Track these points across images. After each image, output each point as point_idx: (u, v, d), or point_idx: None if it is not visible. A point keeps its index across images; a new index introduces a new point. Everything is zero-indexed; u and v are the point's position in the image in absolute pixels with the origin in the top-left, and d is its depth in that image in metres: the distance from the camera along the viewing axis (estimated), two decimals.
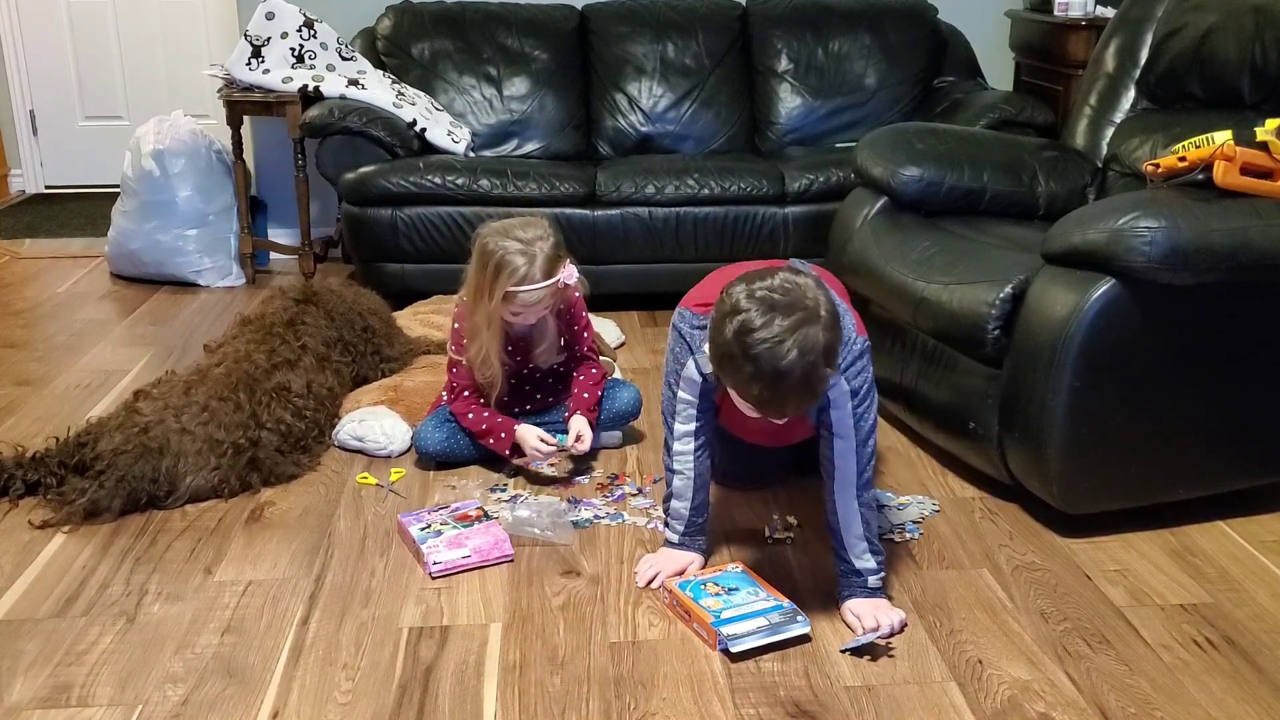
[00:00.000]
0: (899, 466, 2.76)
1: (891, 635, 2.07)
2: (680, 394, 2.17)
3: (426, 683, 1.94)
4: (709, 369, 2.06)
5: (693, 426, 2.18)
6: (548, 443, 2.62)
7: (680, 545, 2.27)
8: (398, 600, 2.19)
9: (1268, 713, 1.88)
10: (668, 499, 2.27)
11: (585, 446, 2.67)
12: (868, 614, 2.08)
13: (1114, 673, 1.97)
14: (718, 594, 2.13)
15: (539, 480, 2.69)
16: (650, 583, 2.23)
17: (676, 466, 2.21)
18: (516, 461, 2.70)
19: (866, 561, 2.11)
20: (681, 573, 2.23)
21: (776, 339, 1.83)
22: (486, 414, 2.67)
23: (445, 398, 2.80)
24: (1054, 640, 2.06)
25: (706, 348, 2.01)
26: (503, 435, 2.64)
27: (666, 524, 2.29)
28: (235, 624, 2.11)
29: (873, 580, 2.12)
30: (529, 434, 2.63)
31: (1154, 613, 2.16)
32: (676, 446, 2.20)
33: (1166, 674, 1.97)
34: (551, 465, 2.74)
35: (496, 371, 2.63)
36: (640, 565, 2.28)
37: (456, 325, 2.67)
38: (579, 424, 2.69)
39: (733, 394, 2.00)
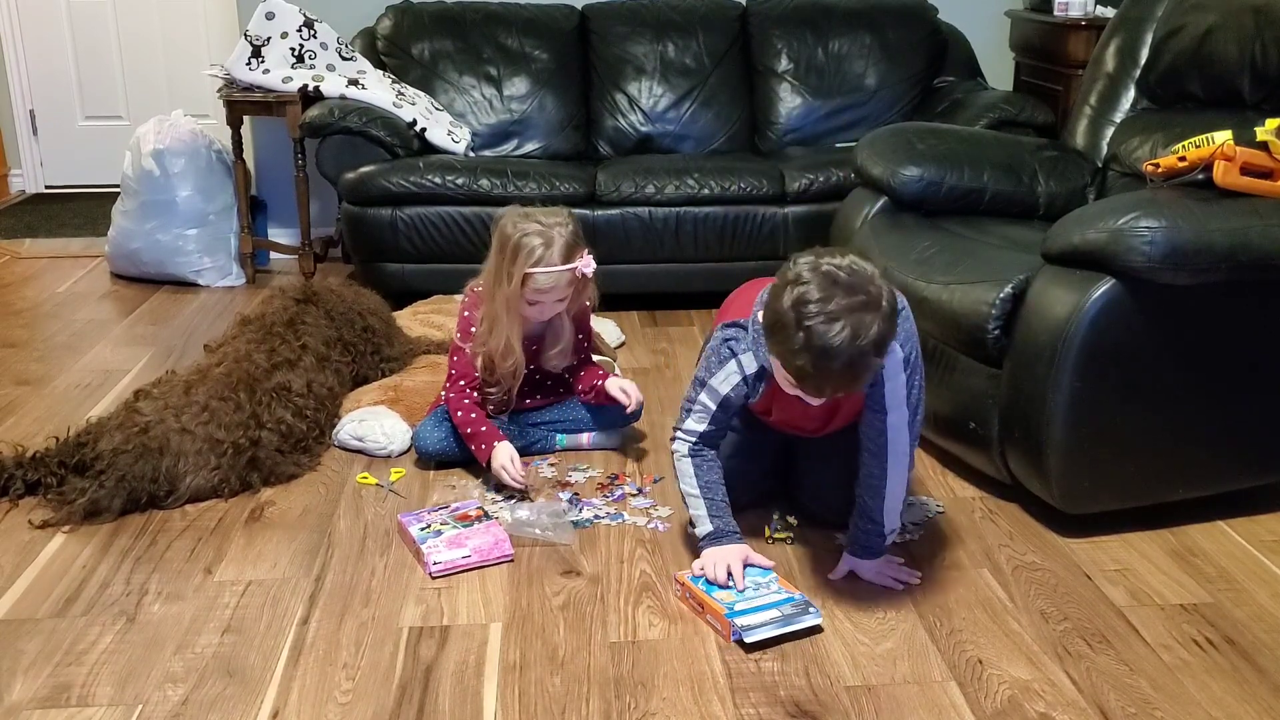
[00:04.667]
0: None
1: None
2: (700, 397, 2.24)
3: (426, 683, 1.94)
4: (754, 367, 2.16)
5: (701, 429, 2.24)
6: (514, 474, 2.53)
7: (732, 539, 2.21)
8: (398, 600, 2.19)
9: (1268, 713, 1.88)
10: (692, 502, 2.27)
11: (635, 391, 2.75)
12: (879, 580, 2.24)
13: (1114, 673, 1.97)
14: (730, 586, 2.14)
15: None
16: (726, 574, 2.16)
17: (682, 470, 2.27)
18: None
19: (894, 521, 2.24)
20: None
21: (831, 315, 1.85)
22: (475, 416, 2.62)
23: (444, 395, 2.79)
24: (1054, 640, 2.06)
25: (751, 352, 2.14)
26: (483, 446, 2.59)
27: (700, 525, 2.24)
28: (235, 624, 2.11)
29: (891, 537, 2.25)
30: (501, 453, 2.55)
31: (1154, 613, 2.16)
32: (679, 448, 2.27)
33: (1166, 674, 1.97)
34: (522, 482, 2.58)
35: (519, 359, 2.62)
36: (719, 578, 2.15)
37: (466, 314, 2.66)
38: (614, 382, 2.76)
39: (774, 365, 2.03)
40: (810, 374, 1.91)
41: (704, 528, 2.23)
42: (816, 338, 1.86)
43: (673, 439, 2.30)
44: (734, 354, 2.19)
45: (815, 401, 2.04)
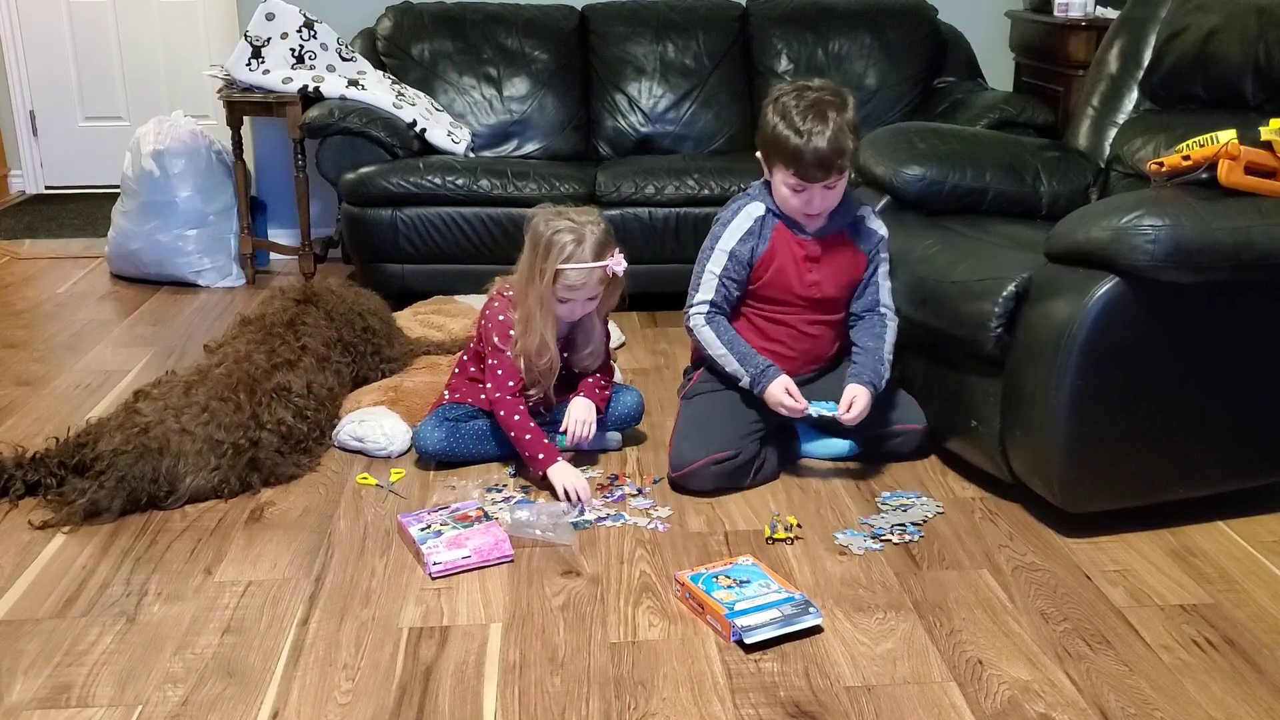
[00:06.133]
0: (899, 466, 2.76)
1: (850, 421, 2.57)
2: (708, 268, 2.63)
3: (426, 683, 1.94)
4: (761, 210, 2.60)
5: (710, 296, 2.63)
6: (583, 489, 2.55)
7: (772, 372, 2.57)
8: (398, 600, 2.19)
9: (1268, 713, 1.87)
10: (724, 360, 2.62)
11: (586, 432, 2.68)
12: (861, 403, 2.56)
13: (1114, 673, 1.97)
14: (730, 586, 2.14)
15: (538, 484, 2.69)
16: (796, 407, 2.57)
17: (705, 338, 2.64)
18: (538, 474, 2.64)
19: (887, 371, 2.64)
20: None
21: (809, 101, 2.44)
22: (534, 425, 2.62)
23: (447, 396, 2.80)
24: (1054, 640, 2.06)
25: (758, 200, 2.62)
26: (540, 456, 2.58)
27: (744, 374, 2.60)
28: (235, 624, 2.11)
29: (883, 382, 2.62)
30: (568, 476, 2.55)
31: (1154, 613, 2.16)
32: (695, 320, 2.65)
33: (1166, 674, 1.97)
34: (587, 500, 2.58)
35: (554, 355, 2.64)
36: (785, 401, 2.55)
37: (501, 318, 2.64)
38: (581, 409, 2.69)
39: (776, 185, 2.55)
40: (802, 149, 2.41)
41: (746, 378, 2.59)
42: (798, 116, 2.42)
43: (686, 317, 2.67)
44: (741, 208, 2.63)
45: (813, 208, 2.52)
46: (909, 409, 2.75)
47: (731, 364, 2.61)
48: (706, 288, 2.64)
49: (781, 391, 2.56)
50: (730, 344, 2.62)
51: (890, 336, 2.67)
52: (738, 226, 2.62)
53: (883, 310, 2.70)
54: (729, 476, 2.60)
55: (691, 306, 2.66)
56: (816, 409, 2.58)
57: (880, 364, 2.62)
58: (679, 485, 2.62)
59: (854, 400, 2.56)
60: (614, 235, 2.63)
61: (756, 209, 2.62)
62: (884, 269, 2.70)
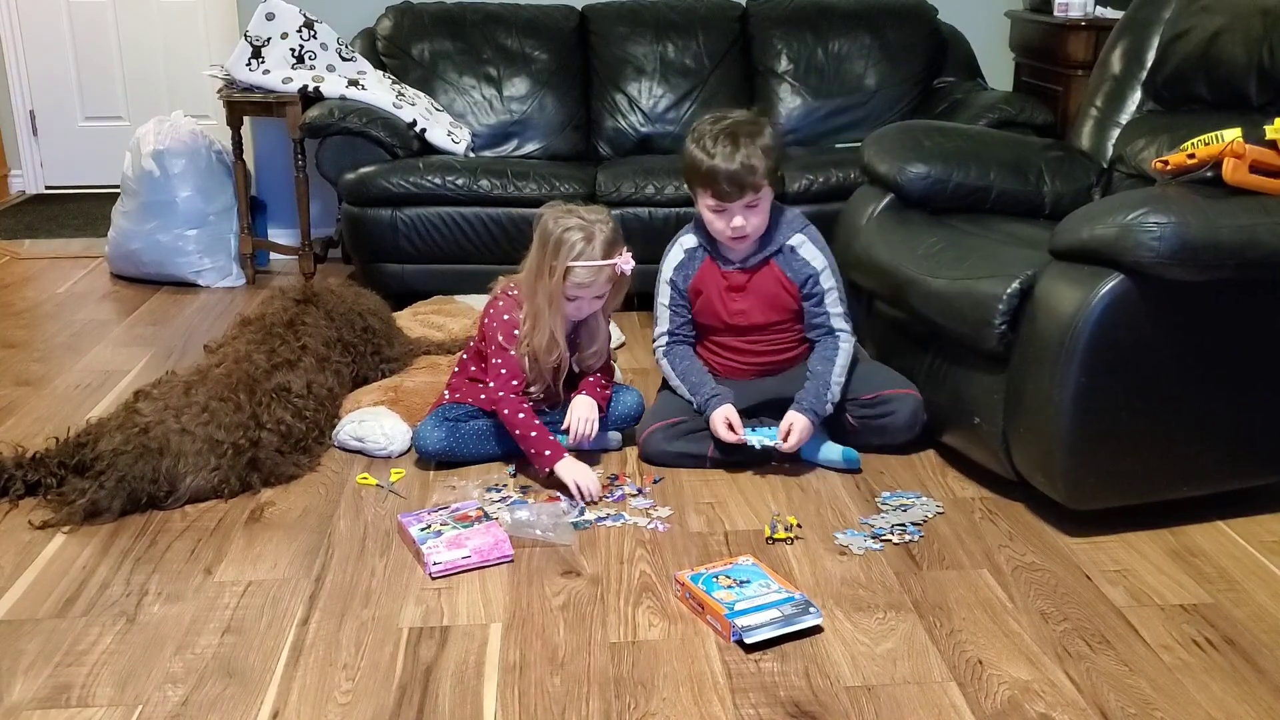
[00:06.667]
0: (899, 466, 2.76)
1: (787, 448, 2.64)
2: (659, 301, 2.80)
3: (426, 683, 1.94)
4: (693, 243, 2.76)
5: (666, 327, 2.80)
6: (594, 488, 2.55)
7: (715, 402, 2.67)
8: (398, 600, 2.19)
9: (1268, 713, 1.87)
10: (679, 389, 2.77)
11: (589, 430, 2.68)
12: (799, 431, 2.62)
13: (1114, 673, 1.97)
14: (730, 586, 2.14)
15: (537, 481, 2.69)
16: (732, 429, 2.65)
17: (664, 369, 2.80)
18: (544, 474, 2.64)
19: (836, 396, 2.69)
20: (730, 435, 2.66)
21: (721, 127, 2.56)
22: (538, 422, 2.62)
23: (447, 395, 2.80)
24: (1054, 640, 2.06)
25: (691, 233, 2.77)
26: (547, 453, 2.57)
27: (694, 403, 2.73)
28: (235, 624, 2.11)
29: (827, 408, 2.68)
30: (578, 473, 2.56)
31: (1154, 613, 2.16)
32: (658, 353, 2.81)
33: (1166, 674, 1.97)
34: (598, 497, 2.59)
35: (564, 352, 2.65)
36: (721, 432, 2.64)
37: (507, 317, 2.65)
38: (584, 407, 2.69)
39: (701, 209, 2.66)
40: (714, 168, 2.53)
41: (697, 405, 2.72)
42: (710, 139, 2.54)
43: (653, 351, 2.83)
44: (677, 240, 2.79)
45: (730, 226, 2.60)
46: (898, 379, 2.78)
47: (684, 392, 2.75)
48: (662, 320, 2.81)
49: (721, 422, 2.65)
50: (684, 374, 2.76)
51: (842, 360, 2.71)
52: (672, 259, 2.78)
53: (837, 333, 2.74)
54: (682, 440, 2.72)
55: (654, 340, 2.83)
56: (757, 438, 2.65)
57: (825, 390, 2.67)
58: (646, 458, 2.76)
59: (791, 428, 2.63)
60: (622, 234, 2.64)
61: (689, 241, 2.77)
62: (831, 297, 2.74)
